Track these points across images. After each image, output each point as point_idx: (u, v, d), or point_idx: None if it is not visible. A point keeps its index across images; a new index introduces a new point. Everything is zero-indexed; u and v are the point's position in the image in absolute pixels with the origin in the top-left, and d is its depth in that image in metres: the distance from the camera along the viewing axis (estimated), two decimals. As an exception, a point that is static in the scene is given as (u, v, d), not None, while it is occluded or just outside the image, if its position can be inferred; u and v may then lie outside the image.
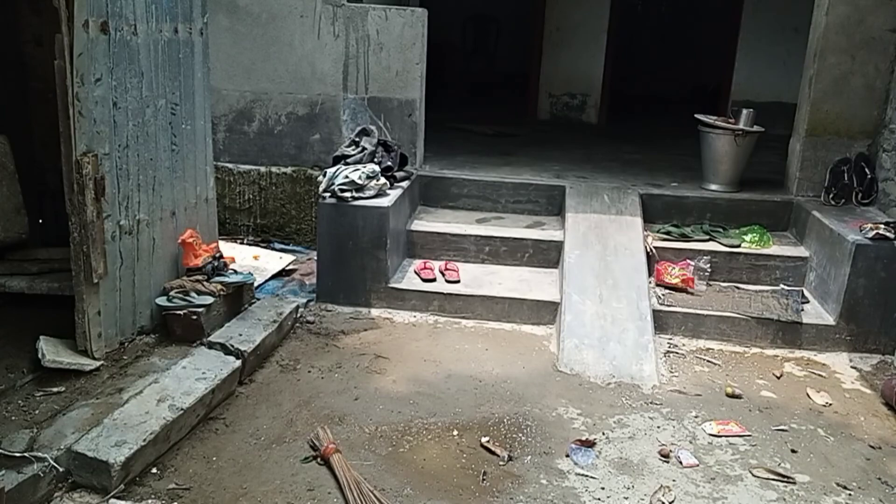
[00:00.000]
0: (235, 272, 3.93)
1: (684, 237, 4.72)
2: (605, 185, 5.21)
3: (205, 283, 3.72)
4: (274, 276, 4.75)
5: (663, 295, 4.32)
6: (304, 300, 4.40)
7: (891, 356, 4.01)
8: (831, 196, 4.74)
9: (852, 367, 3.96)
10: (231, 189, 5.38)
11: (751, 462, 3.02)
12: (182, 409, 2.93)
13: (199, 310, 3.57)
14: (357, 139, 4.83)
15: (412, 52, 5.08)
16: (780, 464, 3.02)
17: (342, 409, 3.26)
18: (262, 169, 5.36)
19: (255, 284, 4.24)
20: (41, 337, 3.25)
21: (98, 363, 3.24)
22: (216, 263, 3.83)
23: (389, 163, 4.75)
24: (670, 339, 4.13)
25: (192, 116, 3.83)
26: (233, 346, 3.50)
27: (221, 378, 3.23)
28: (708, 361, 3.92)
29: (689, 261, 4.50)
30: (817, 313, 4.23)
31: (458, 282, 4.49)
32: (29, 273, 3.68)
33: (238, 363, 3.40)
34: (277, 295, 4.44)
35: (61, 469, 2.59)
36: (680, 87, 10.22)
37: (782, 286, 4.46)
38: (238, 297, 3.93)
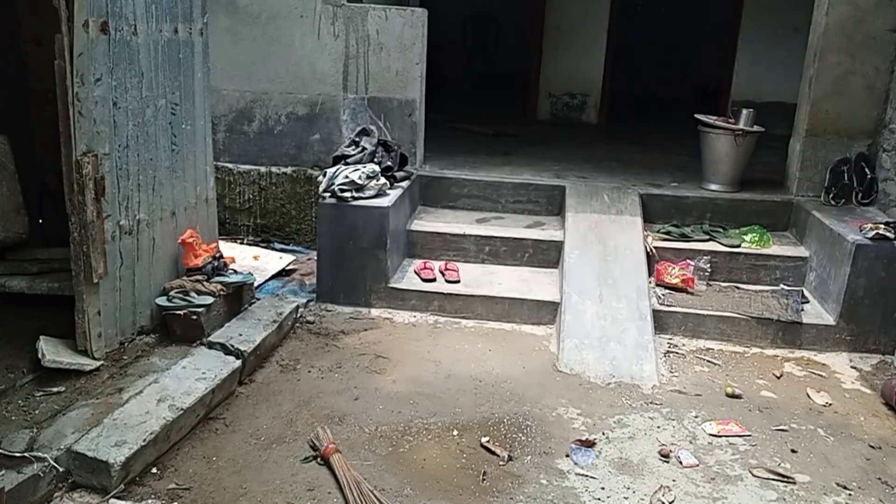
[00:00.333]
0: (235, 272, 3.93)
1: (684, 237, 4.72)
2: (605, 185, 5.21)
3: (205, 283, 3.72)
4: (274, 276, 4.75)
5: (663, 295, 4.32)
6: (304, 300, 4.40)
7: (891, 356, 4.01)
8: (831, 196, 4.74)
9: (852, 367, 3.96)
10: (231, 189, 5.38)
11: (751, 462, 3.02)
12: (182, 409, 2.93)
13: (199, 310, 3.57)
14: (357, 139, 4.83)
15: (412, 52, 5.08)
16: (780, 464, 3.02)
17: (342, 409, 3.26)
18: (262, 169, 5.36)
19: (255, 284, 4.24)
20: (41, 337, 3.25)
21: (98, 363, 3.24)
22: (216, 263, 3.83)
23: (389, 163, 4.75)
24: (670, 339, 4.13)
25: (192, 116, 3.83)
26: (233, 346, 3.50)
27: (221, 378, 3.23)
28: (708, 361, 3.92)
29: (689, 261, 4.50)
30: (817, 313, 4.23)
31: (458, 282, 4.49)
32: (29, 273, 3.68)
33: (238, 363, 3.40)
34: (277, 295, 4.44)
35: (61, 469, 2.59)
36: (680, 87, 10.22)
37: (782, 286, 4.46)
38: (238, 297, 3.93)
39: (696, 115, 5.22)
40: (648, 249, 4.53)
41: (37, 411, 2.92)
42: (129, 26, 3.28)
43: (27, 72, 4.02)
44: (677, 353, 3.99)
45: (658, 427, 3.25)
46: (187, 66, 3.75)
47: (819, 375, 3.83)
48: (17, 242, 3.77)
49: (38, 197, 4.00)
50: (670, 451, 3.05)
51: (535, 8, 8.23)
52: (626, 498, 2.75)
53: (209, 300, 3.63)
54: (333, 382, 3.51)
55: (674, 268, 4.45)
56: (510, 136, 7.07)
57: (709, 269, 4.48)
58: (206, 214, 4.07)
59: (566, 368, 3.74)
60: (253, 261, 4.83)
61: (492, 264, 4.79)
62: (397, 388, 3.49)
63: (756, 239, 4.67)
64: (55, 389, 3.07)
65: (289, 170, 5.34)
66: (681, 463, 2.98)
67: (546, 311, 4.29)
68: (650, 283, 4.39)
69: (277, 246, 5.30)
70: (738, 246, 4.63)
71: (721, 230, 4.82)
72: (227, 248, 4.48)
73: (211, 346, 3.50)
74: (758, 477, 2.92)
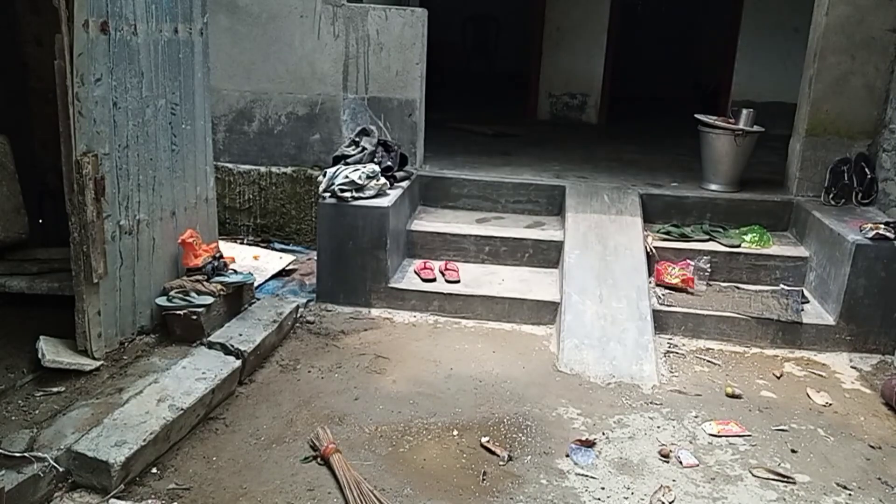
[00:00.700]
0: (235, 272, 3.93)
1: (684, 237, 4.72)
2: (605, 185, 5.21)
3: (205, 283, 3.72)
4: (274, 276, 4.75)
5: (663, 295, 4.32)
6: (304, 300, 4.40)
7: (891, 356, 4.01)
8: (831, 196, 4.74)
9: (852, 367, 3.96)
10: (231, 189, 5.38)
11: (751, 462, 3.02)
12: (182, 409, 2.93)
13: (199, 310, 3.57)
14: (357, 139, 4.83)
15: (412, 52, 5.08)
16: (780, 464, 3.02)
17: (342, 409, 3.26)
18: (262, 169, 5.36)
19: (255, 284, 4.24)
20: (41, 337, 3.25)
21: (98, 363, 3.24)
22: (216, 263, 3.83)
23: (389, 163, 4.75)
24: (670, 339, 4.13)
25: (192, 116, 3.83)
26: (233, 346, 3.50)
27: (221, 378, 3.23)
28: (708, 361, 3.92)
29: (689, 261, 4.50)
30: (817, 313, 4.23)
31: (458, 282, 4.49)
32: (29, 273, 3.68)
33: (238, 363, 3.40)
34: (277, 295, 4.44)
35: (61, 469, 2.59)
36: (680, 87, 10.22)
37: (782, 286, 4.46)
38: (238, 297, 3.93)
39: (696, 115, 5.22)
40: (648, 249, 4.53)
41: (37, 411, 2.92)
42: (129, 26, 3.28)
43: (27, 71, 4.02)
44: (677, 353, 4.00)
45: (658, 427, 3.25)
46: (187, 66, 3.75)
47: (819, 375, 3.83)
48: (17, 242, 3.77)
49: (38, 197, 4.01)
50: (670, 451, 3.05)
51: (535, 8, 8.23)
52: (626, 498, 2.75)
53: (209, 300, 3.63)
54: (333, 382, 3.51)
55: (674, 268, 4.45)
56: (510, 136, 7.07)
57: (709, 269, 4.48)
58: (206, 214, 4.07)
59: (566, 368, 3.74)
60: (253, 261, 4.83)
61: (492, 264, 4.79)
62: (397, 388, 3.49)
63: (756, 239, 4.67)
64: (55, 389, 3.07)
65: (289, 170, 5.34)
66: (681, 463, 2.98)
67: (546, 311, 4.29)
68: (650, 283, 4.39)
69: (277, 246, 5.30)
70: (738, 246, 4.63)
71: (721, 230, 4.82)
72: (227, 248, 4.48)
73: (211, 346, 3.50)
74: (758, 477, 2.92)
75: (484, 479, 2.81)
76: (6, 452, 2.56)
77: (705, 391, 3.59)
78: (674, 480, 2.86)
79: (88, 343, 3.24)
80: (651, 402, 3.46)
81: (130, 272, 3.47)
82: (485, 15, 10.99)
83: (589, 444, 3.04)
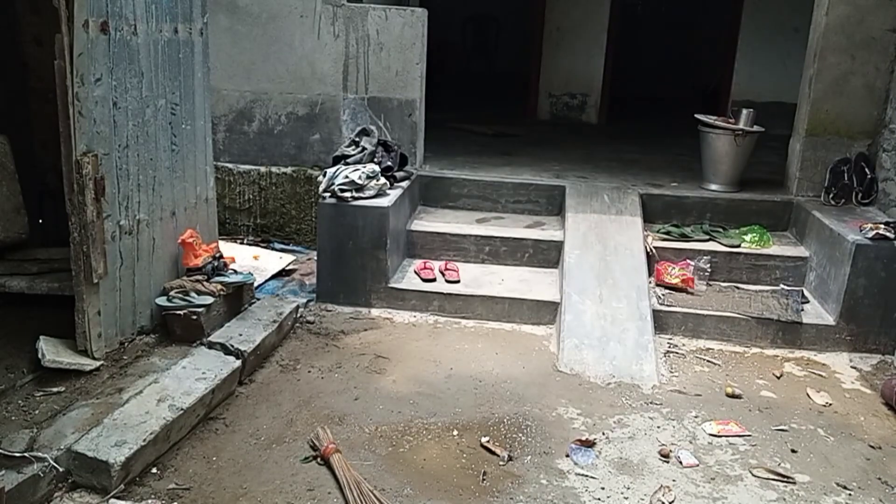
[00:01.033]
0: (235, 272, 3.93)
1: (684, 237, 4.72)
2: (605, 185, 5.21)
3: (205, 283, 3.72)
4: (274, 276, 4.75)
5: (663, 295, 4.32)
6: (304, 300, 4.40)
7: (891, 356, 4.01)
8: (831, 196, 4.74)
9: (852, 367, 3.96)
10: (231, 189, 5.38)
11: (751, 462, 3.02)
12: (182, 409, 2.93)
13: (199, 310, 3.57)
14: (357, 139, 4.83)
15: (412, 52, 5.08)
16: (780, 464, 3.02)
17: (342, 409, 3.26)
18: (262, 169, 5.36)
19: (255, 284, 4.24)
20: (41, 337, 3.25)
21: (98, 363, 3.24)
22: (216, 263, 3.83)
23: (389, 163, 4.75)
24: (670, 339, 4.13)
25: (191, 116, 3.83)
26: (233, 346, 3.50)
27: (221, 378, 3.23)
28: (708, 361, 3.92)
29: (689, 261, 4.50)
30: (817, 313, 4.23)
31: (458, 282, 4.49)
32: (29, 273, 3.68)
33: (238, 363, 3.40)
34: (277, 295, 4.44)
35: (61, 469, 2.59)
36: (680, 87, 10.22)
37: (782, 286, 4.46)
38: (238, 297, 3.93)
39: (696, 115, 5.22)
40: (648, 249, 4.53)
41: (37, 411, 2.92)
42: (129, 26, 3.28)
43: (27, 71, 4.02)
44: (677, 353, 4.00)
45: (658, 427, 3.25)
46: (187, 66, 3.75)
47: (819, 375, 3.83)
48: (17, 242, 3.77)
49: (38, 197, 4.00)
50: (670, 451, 3.05)
51: (535, 8, 8.23)
52: (626, 498, 2.75)
53: (209, 300, 3.63)
54: (333, 382, 3.51)
55: (674, 268, 4.45)
56: (510, 136, 7.07)
57: (709, 269, 4.48)
58: (206, 214, 4.07)
59: (566, 368, 3.74)
60: (253, 261, 4.82)
61: (492, 264, 4.79)
62: (397, 388, 3.49)
63: (756, 239, 4.67)
64: (55, 389, 3.07)
65: (289, 170, 5.34)
66: (681, 463, 2.98)
67: (546, 311, 4.29)
68: (650, 283, 4.39)
69: (277, 246, 5.30)
70: (738, 246, 4.63)
71: (721, 230, 4.82)
72: (227, 248, 4.48)
73: (211, 346, 3.50)
74: (758, 477, 2.92)
75: (484, 479, 2.81)
76: (6, 452, 2.56)
77: (705, 391, 3.59)
78: (674, 480, 2.87)
79: (88, 343, 3.24)
80: (651, 402, 3.46)
81: (130, 272, 3.47)
82: (485, 15, 10.99)
83: (589, 444, 3.04)
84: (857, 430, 3.31)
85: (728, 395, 3.54)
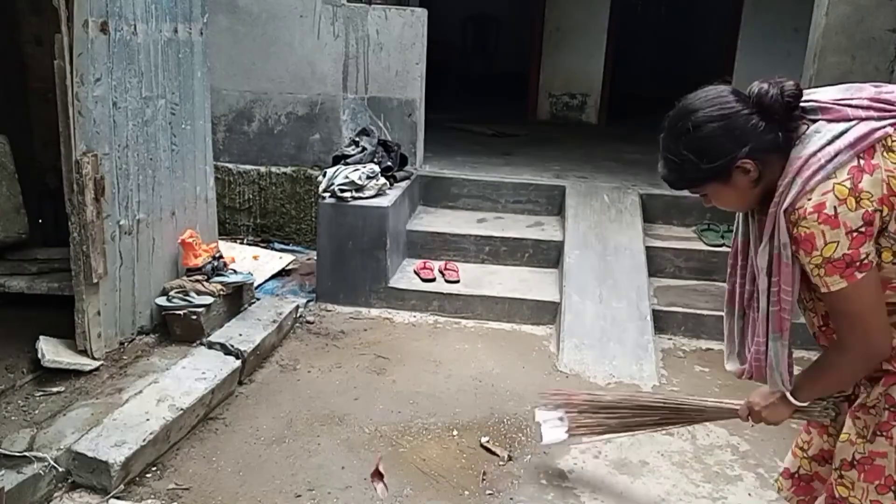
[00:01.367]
0: (235, 272, 3.93)
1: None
2: (605, 185, 5.21)
3: (204, 283, 3.72)
4: (274, 276, 4.75)
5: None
6: (304, 300, 4.40)
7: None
8: (831, 196, 4.73)
9: (852, 367, 3.95)
10: (231, 189, 5.38)
11: (750, 462, 3.02)
12: (182, 409, 2.93)
13: (199, 310, 3.57)
14: (357, 139, 4.83)
15: (412, 52, 5.08)
16: (779, 463, 3.02)
17: (342, 409, 3.26)
18: (262, 169, 5.36)
19: (255, 284, 4.24)
20: (41, 337, 3.25)
21: (98, 363, 3.24)
22: (216, 263, 3.83)
23: (389, 163, 4.75)
24: (670, 338, 4.13)
25: (191, 116, 3.83)
26: (233, 346, 3.50)
27: (221, 378, 3.23)
28: (708, 362, 3.92)
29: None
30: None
31: (457, 282, 4.49)
32: (29, 273, 3.68)
33: (238, 363, 3.40)
34: (277, 295, 4.44)
35: (61, 469, 2.59)
36: (680, 86, 10.21)
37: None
38: (238, 297, 3.93)
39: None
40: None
41: (37, 411, 2.92)
42: (128, 26, 3.28)
43: (27, 71, 4.02)
44: (677, 353, 3.99)
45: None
46: (187, 66, 3.75)
47: (819, 375, 3.83)
48: (16, 242, 3.76)
49: (38, 197, 4.00)
50: (670, 450, 3.05)
51: (535, 8, 8.23)
52: (626, 498, 2.75)
53: (209, 300, 3.63)
54: (333, 382, 3.51)
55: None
56: (510, 136, 7.07)
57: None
58: (205, 214, 4.07)
59: (566, 368, 3.74)
60: (253, 261, 4.82)
61: (492, 264, 4.79)
62: (397, 388, 3.49)
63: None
64: (55, 389, 3.07)
65: (288, 170, 5.34)
66: (680, 462, 2.98)
67: (546, 311, 4.29)
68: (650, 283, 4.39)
69: (277, 246, 5.30)
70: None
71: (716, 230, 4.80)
72: (227, 248, 4.48)
73: (211, 346, 3.50)
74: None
75: (484, 479, 2.81)
76: (6, 452, 2.56)
77: (705, 391, 3.58)
78: (674, 481, 2.86)
79: (88, 343, 3.24)
80: (651, 402, 3.45)
81: (130, 272, 3.47)
82: (485, 15, 10.98)
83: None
84: (857, 430, 3.30)
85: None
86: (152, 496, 2.62)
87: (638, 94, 9.84)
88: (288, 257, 5.00)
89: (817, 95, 1.75)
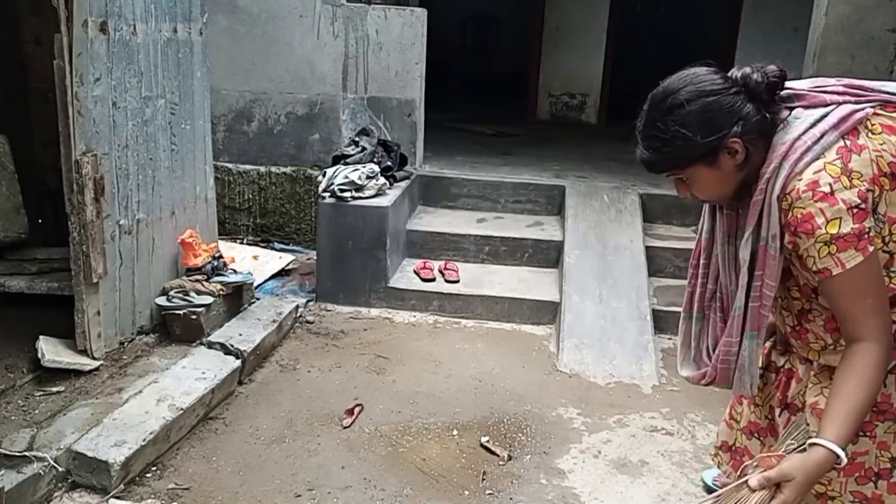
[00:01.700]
0: (235, 272, 3.93)
1: None
2: (605, 185, 5.21)
3: (204, 283, 3.72)
4: (273, 276, 4.75)
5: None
6: (304, 300, 4.40)
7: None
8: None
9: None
10: (230, 189, 5.38)
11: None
12: (182, 409, 2.93)
13: (199, 310, 3.57)
14: (357, 139, 4.83)
15: (412, 52, 5.08)
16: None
17: (342, 409, 3.26)
18: (262, 169, 5.36)
19: (255, 284, 4.24)
20: (41, 337, 3.25)
21: (98, 363, 3.24)
22: (216, 263, 3.83)
23: (389, 163, 4.75)
24: (670, 338, 4.13)
25: (191, 116, 3.83)
26: (232, 345, 3.50)
27: (221, 378, 3.23)
28: (708, 361, 3.91)
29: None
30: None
31: (457, 282, 4.49)
32: (29, 273, 3.68)
33: (238, 363, 3.40)
34: (277, 295, 4.44)
35: (61, 469, 2.59)
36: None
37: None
38: (238, 297, 3.93)
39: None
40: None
41: (36, 411, 2.92)
42: (128, 26, 3.28)
43: (27, 71, 4.02)
44: (677, 353, 3.99)
45: (658, 427, 3.25)
46: (187, 66, 3.75)
47: (819, 375, 3.83)
48: (16, 242, 3.76)
49: (38, 197, 4.00)
50: (670, 450, 3.05)
51: (535, 8, 8.23)
52: (626, 498, 2.75)
53: (209, 300, 3.63)
54: (333, 382, 3.51)
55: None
56: (510, 136, 7.08)
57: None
58: (205, 214, 4.07)
59: (566, 368, 3.74)
60: (252, 261, 4.83)
61: (491, 264, 4.79)
62: (397, 388, 3.49)
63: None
64: (55, 389, 3.07)
65: (288, 169, 5.34)
66: (680, 462, 2.98)
67: (546, 311, 4.29)
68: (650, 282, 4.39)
69: (277, 246, 5.30)
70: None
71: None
72: (227, 248, 4.48)
73: (211, 345, 3.50)
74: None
75: (484, 479, 2.81)
76: (6, 452, 2.56)
77: (704, 391, 3.58)
78: (673, 481, 2.87)
79: (88, 343, 3.24)
80: (651, 402, 3.45)
81: (130, 272, 3.47)
82: (485, 15, 10.99)
83: None
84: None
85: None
86: (152, 496, 2.62)
87: (638, 94, 9.84)
88: (288, 257, 5.00)
89: (790, 84, 1.73)
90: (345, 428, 3.09)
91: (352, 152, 4.67)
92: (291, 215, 5.39)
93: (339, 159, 4.64)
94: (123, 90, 3.30)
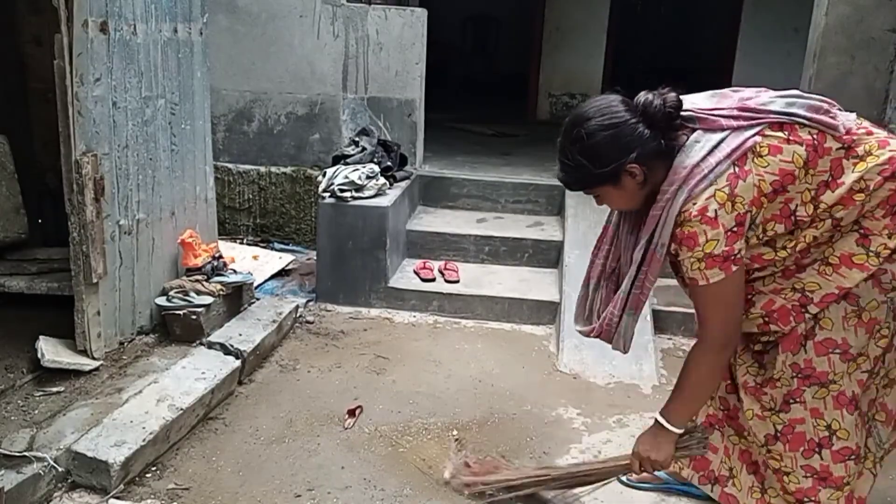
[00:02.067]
0: (235, 272, 3.93)
1: None
2: (605, 184, 5.20)
3: (204, 283, 3.72)
4: (273, 276, 4.75)
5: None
6: (304, 300, 4.40)
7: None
8: (831, 196, 4.74)
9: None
10: (230, 189, 5.38)
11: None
12: (181, 409, 2.93)
13: (199, 310, 3.57)
14: (357, 139, 4.83)
15: (412, 52, 5.08)
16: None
17: (342, 409, 3.26)
18: (262, 169, 5.36)
19: (255, 284, 4.24)
20: (41, 337, 3.25)
21: (97, 363, 3.24)
22: (216, 263, 3.83)
23: (389, 163, 4.75)
24: (670, 338, 4.13)
25: (191, 116, 3.83)
26: (232, 345, 3.50)
27: (221, 378, 3.23)
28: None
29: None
30: (817, 313, 4.22)
31: (457, 282, 4.49)
32: (28, 273, 3.68)
33: (238, 363, 3.40)
34: (277, 295, 4.44)
35: (61, 469, 2.59)
36: (680, 85, 10.20)
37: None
38: (238, 297, 3.93)
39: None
40: None
41: (36, 411, 2.92)
42: (128, 26, 3.28)
43: (27, 71, 4.02)
44: (677, 353, 3.99)
45: (658, 427, 3.24)
46: (187, 66, 3.75)
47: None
48: (16, 242, 3.77)
49: (38, 197, 4.00)
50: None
51: (535, 8, 8.24)
52: (626, 498, 2.75)
53: (209, 300, 3.63)
54: (333, 382, 3.51)
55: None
56: (510, 136, 7.08)
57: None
58: (205, 214, 4.07)
59: (566, 368, 3.74)
60: (252, 261, 4.83)
61: (491, 264, 4.79)
62: (397, 388, 3.49)
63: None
64: (55, 389, 3.07)
65: (288, 170, 5.34)
66: (681, 463, 2.98)
67: (546, 311, 4.29)
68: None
69: (277, 246, 5.30)
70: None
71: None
72: (227, 248, 4.48)
73: (210, 346, 3.50)
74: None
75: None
76: (6, 452, 2.56)
77: (705, 391, 3.58)
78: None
79: (88, 343, 3.24)
80: (651, 402, 3.45)
81: (130, 272, 3.47)
82: (485, 15, 10.99)
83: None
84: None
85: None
86: (152, 496, 2.62)
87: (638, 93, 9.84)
88: (288, 257, 5.00)
89: (689, 104, 1.98)
90: (345, 429, 3.09)
91: (352, 152, 4.67)
92: (291, 215, 5.39)
93: (339, 159, 4.64)
94: (123, 90, 3.30)
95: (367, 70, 5.14)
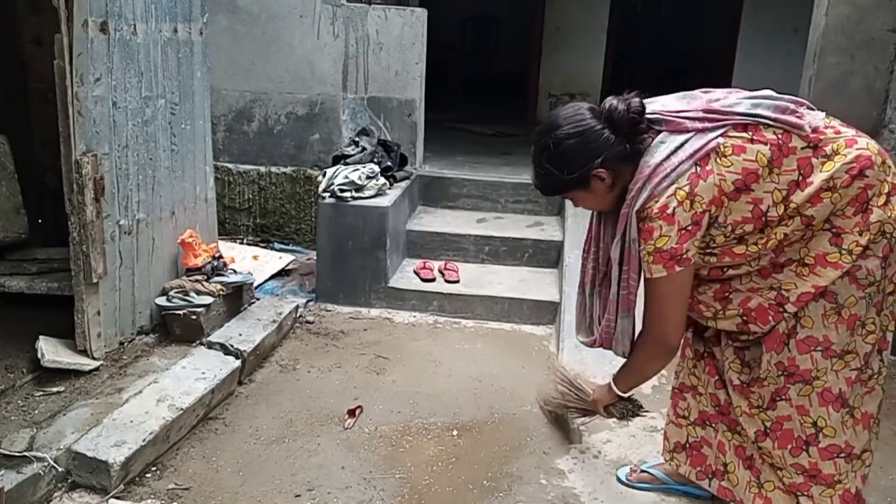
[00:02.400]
0: (235, 272, 3.93)
1: None
2: (605, 185, 5.21)
3: (204, 283, 3.72)
4: (273, 276, 4.75)
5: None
6: (304, 300, 4.40)
7: (891, 354, 4.01)
8: (831, 196, 4.74)
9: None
10: (230, 189, 5.38)
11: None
12: (181, 409, 2.93)
13: (199, 310, 3.57)
14: (357, 139, 4.83)
15: (412, 52, 5.08)
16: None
17: (342, 409, 3.26)
18: (262, 169, 5.36)
19: (255, 284, 4.24)
20: (41, 337, 3.25)
21: (97, 363, 3.24)
22: (216, 263, 3.83)
23: (389, 163, 4.75)
24: (670, 339, 4.13)
25: (191, 116, 3.83)
26: (232, 345, 3.50)
27: (221, 378, 3.23)
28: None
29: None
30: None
31: (457, 282, 4.49)
32: (28, 273, 3.68)
33: (238, 363, 3.40)
34: (277, 295, 4.44)
35: (61, 469, 2.59)
36: (679, 86, 10.21)
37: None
38: (238, 297, 3.93)
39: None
40: None
41: (36, 411, 2.92)
42: (128, 26, 3.28)
43: (27, 71, 4.02)
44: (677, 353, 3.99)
45: (658, 427, 3.24)
46: (187, 66, 3.75)
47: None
48: (16, 242, 3.77)
49: (38, 197, 4.00)
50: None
51: (535, 8, 8.23)
52: (626, 498, 2.75)
53: (209, 300, 3.63)
54: (333, 382, 3.51)
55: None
56: (510, 136, 7.08)
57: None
58: (205, 214, 4.07)
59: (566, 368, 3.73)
60: (252, 261, 4.83)
61: (491, 264, 4.79)
62: (397, 388, 3.49)
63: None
64: (55, 389, 3.07)
65: (288, 169, 5.34)
66: (680, 463, 2.98)
67: (546, 311, 4.29)
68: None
69: (277, 246, 5.30)
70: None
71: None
72: (227, 248, 4.48)
73: (210, 346, 3.50)
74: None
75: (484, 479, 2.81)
76: (6, 452, 2.56)
77: (705, 391, 3.58)
78: (673, 480, 2.86)
79: (88, 343, 3.24)
80: (651, 402, 3.45)
81: (130, 272, 3.47)
82: (485, 15, 10.99)
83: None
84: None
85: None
86: (152, 496, 2.62)
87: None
88: (288, 257, 5.00)
89: (659, 106, 2.04)
90: (345, 429, 3.09)
91: (352, 152, 4.67)
92: (291, 215, 5.39)
93: (340, 159, 4.64)
94: (123, 90, 3.30)
95: (367, 70, 5.15)
